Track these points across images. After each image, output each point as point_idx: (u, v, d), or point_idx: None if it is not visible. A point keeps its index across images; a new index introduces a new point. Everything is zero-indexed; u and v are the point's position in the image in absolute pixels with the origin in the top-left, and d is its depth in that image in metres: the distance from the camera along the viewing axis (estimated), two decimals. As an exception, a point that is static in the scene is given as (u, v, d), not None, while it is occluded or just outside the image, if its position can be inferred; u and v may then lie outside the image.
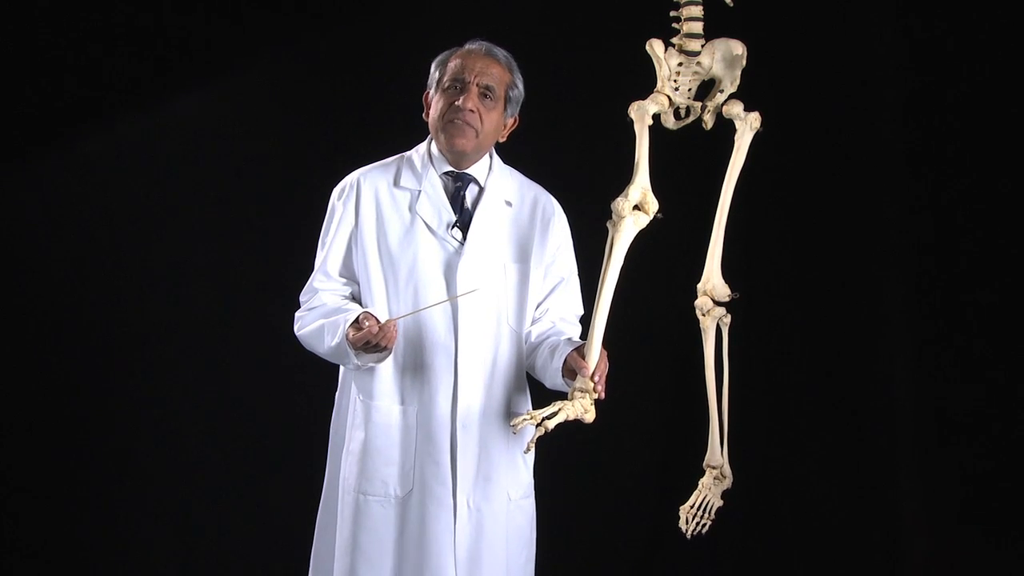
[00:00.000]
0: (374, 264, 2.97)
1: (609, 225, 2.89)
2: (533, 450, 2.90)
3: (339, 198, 3.03)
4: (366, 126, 4.14)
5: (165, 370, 4.33)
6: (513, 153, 3.13)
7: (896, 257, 3.93)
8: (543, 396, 2.98)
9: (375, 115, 4.13)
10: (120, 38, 4.22)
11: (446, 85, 2.98)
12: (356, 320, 2.82)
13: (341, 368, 3.07)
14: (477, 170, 3.04)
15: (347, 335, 2.80)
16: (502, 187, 3.07)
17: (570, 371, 2.83)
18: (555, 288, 3.09)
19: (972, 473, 3.82)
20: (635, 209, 2.91)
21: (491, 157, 3.08)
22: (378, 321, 2.80)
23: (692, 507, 3.33)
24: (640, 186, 2.93)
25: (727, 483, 3.34)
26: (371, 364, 2.87)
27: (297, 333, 3.00)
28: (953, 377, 3.86)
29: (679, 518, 3.33)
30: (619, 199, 2.90)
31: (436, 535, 2.88)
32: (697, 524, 3.33)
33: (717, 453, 3.31)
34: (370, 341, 2.76)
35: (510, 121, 3.06)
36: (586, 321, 2.89)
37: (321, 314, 2.93)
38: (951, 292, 3.87)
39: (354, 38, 4.30)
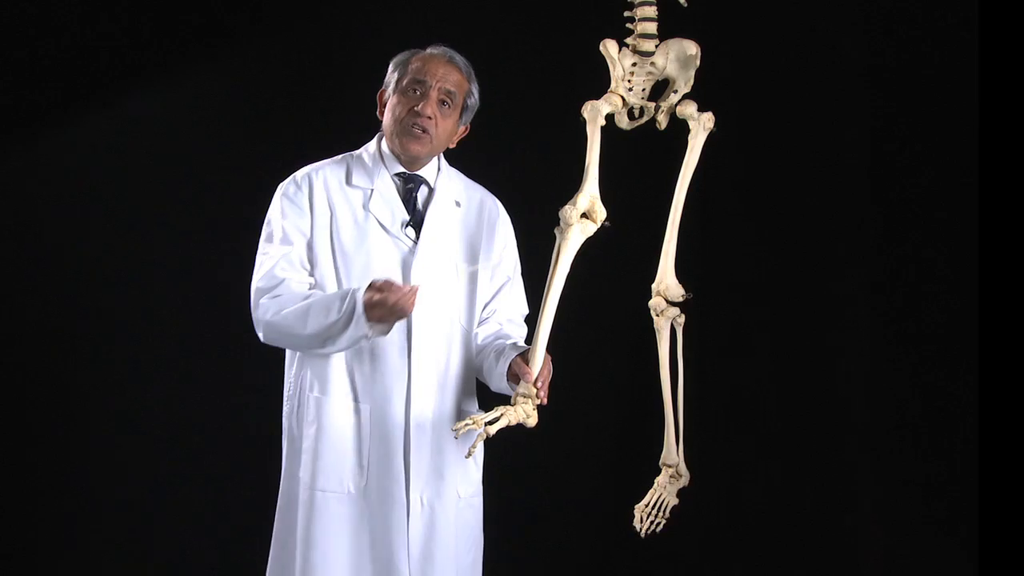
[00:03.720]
0: (328, 260, 2.97)
1: (556, 232, 2.90)
2: (483, 449, 2.96)
3: (290, 193, 3.01)
4: (321, 124, 4.12)
5: (120, 368, 4.30)
6: (463, 153, 3.12)
7: (852, 256, 3.95)
8: (488, 398, 3.00)
9: (331, 113, 4.12)
10: (79, 35, 4.18)
11: (405, 87, 2.98)
12: (371, 284, 2.77)
13: (293, 366, 3.05)
14: (427, 172, 3.06)
15: (367, 299, 2.74)
16: (451, 188, 3.08)
17: (514, 376, 2.85)
18: (501, 289, 3.12)
19: (928, 472, 3.85)
20: (583, 217, 2.92)
21: (439, 159, 3.09)
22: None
23: (647, 506, 3.33)
24: (589, 194, 2.94)
25: (683, 482, 3.35)
26: (376, 336, 2.82)
27: (266, 319, 2.91)
28: (908, 377, 3.89)
29: (634, 517, 3.34)
30: (567, 207, 2.91)
31: (390, 531, 2.90)
32: (652, 523, 3.34)
33: (672, 452, 3.32)
34: (398, 304, 2.72)
35: (462, 129, 3.06)
36: (531, 321, 2.89)
37: (297, 297, 2.89)
38: (907, 292, 3.90)
39: (310, 37, 4.28)
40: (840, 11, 3.83)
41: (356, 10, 4.24)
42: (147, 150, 4.30)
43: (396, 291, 2.73)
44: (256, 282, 2.96)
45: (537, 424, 2.82)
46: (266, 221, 3.03)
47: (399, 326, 2.90)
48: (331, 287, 2.94)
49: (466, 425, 2.73)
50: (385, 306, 2.74)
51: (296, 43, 4.29)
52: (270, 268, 2.94)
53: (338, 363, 2.94)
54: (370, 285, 2.77)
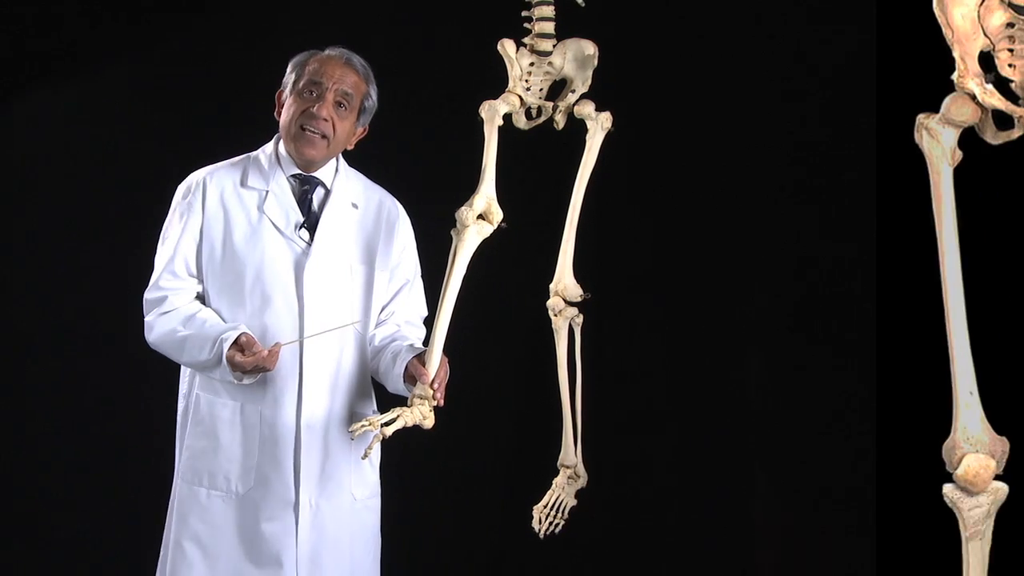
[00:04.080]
0: (220, 263, 2.94)
1: (453, 233, 2.90)
2: (379, 451, 2.94)
3: (184, 196, 2.99)
4: (218, 124, 4.06)
5: (13, 366, 4.19)
6: (363, 154, 3.10)
7: (751, 256, 3.99)
8: (385, 399, 2.98)
9: (228, 112, 4.05)
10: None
11: (302, 89, 2.95)
12: (235, 340, 2.82)
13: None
14: (324, 173, 3.03)
15: (229, 357, 2.81)
16: (348, 190, 3.06)
17: (411, 377, 2.85)
18: (400, 291, 3.10)
19: (824, 473, 3.89)
20: (479, 218, 2.91)
21: (337, 160, 3.07)
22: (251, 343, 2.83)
23: (545, 507, 3.34)
24: (485, 195, 2.93)
25: (581, 482, 3.36)
26: (245, 382, 2.87)
27: (150, 339, 2.96)
28: (804, 376, 3.93)
29: (532, 518, 3.34)
30: (463, 208, 2.90)
31: (278, 533, 2.88)
32: (550, 524, 3.35)
33: (571, 452, 3.33)
34: (258, 366, 2.80)
35: (360, 130, 3.05)
36: (430, 324, 2.88)
37: (178, 321, 2.91)
38: (804, 292, 3.93)
39: (207, 36, 4.21)
40: (735, 11, 3.86)
41: (256, 9, 4.19)
42: (43, 151, 4.20)
43: (257, 355, 2.79)
44: (146, 292, 2.98)
45: (435, 425, 2.80)
46: (164, 225, 3.01)
47: (292, 327, 2.89)
48: (225, 290, 2.93)
49: (362, 427, 2.72)
50: (244, 368, 2.80)
51: (197, 42, 4.22)
52: (156, 279, 2.96)
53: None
54: (235, 341, 2.81)
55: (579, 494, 3.36)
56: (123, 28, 4.19)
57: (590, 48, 3.16)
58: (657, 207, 3.98)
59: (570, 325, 3.27)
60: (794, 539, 3.91)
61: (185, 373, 3.03)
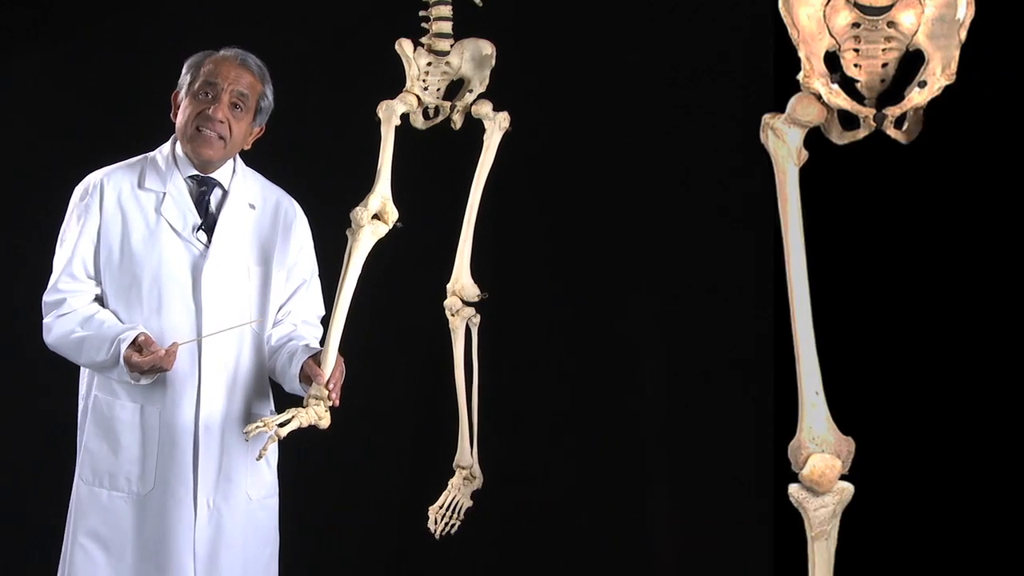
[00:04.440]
0: (118, 266, 2.92)
1: (348, 233, 2.90)
2: (277, 451, 2.94)
3: (81, 198, 2.97)
4: (113, 125, 3.99)
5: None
6: (260, 153, 3.07)
7: (647, 257, 4.02)
8: (283, 399, 2.98)
9: (124, 113, 3.99)
10: None
11: (197, 90, 2.94)
12: (133, 340, 2.81)
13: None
14: (221, 174, 3.02)
15: (127, 357, 2.79)
16: (246, 190, 3.05)
17: (307, 377, 2.86)
18: (297, 290, 3.09)
19: (723, 471, 3.94)
20: (374, 218, 2.92)
21: (234, 160, 3.06)
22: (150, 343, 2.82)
23: (441, 507, 3.34)
24: (380, 195, 2.93)
25: (477, 483, 3.37)
26: (143, 382, 2.86)
27: (48, 341, 2.94)
28: (702, 375, 3.97)
29: (428, 519, 3.33)
30: (358, 208, 2.90)
31: (176, 533, 2.88)
32: (446, 524, 3.34)
33: (467, 453, 3.34)
34: (155, 365, 2.78)
35: (256, 130, 3.03)
36: (327, 324, 2.87)
37: (76, 322, 2.89)
38: (703, 292, 3.97)
39: (102, 35, 4.13)
40: (634, 11, 3.89)
41: (150, 8, 4.12)
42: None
43: (154, 354, 2.79)
44: (45, 294, 2.95)
45: (332, 425, 2.80)
46: (62, 227, 2.99)
47: (190, 329, 2.88)
48: (123, 293, 2.91)
49: (257, 428, 2.73)
50: (141, 368, 2.80)
51: (91, 42, 4.14)
52: (55, 281, 2.93)
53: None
54: (133, 341, 2.80)
55: (475, 495, 3.35)
56: (7, 31, 4.10)
57: (488, 48, 3.17)
58: (554, 207, 3.99)
59: (467, 325, 3.27)
60: (691, 537, 3.96)
61: (84, 374, 3.01)
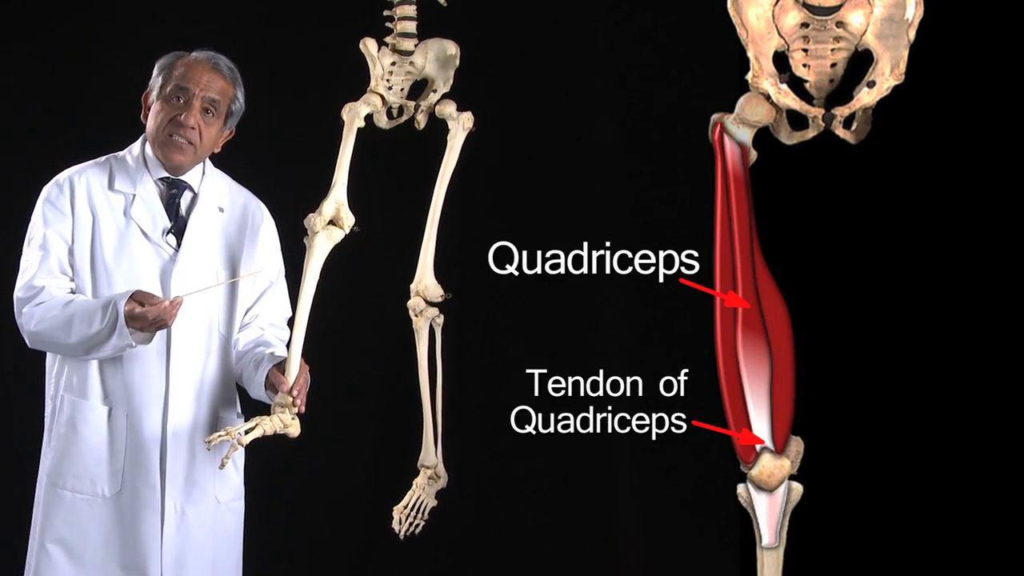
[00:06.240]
0: (88, 266, 2.92)
1: (304, 241, 2.91)
2: (243, 454, 2.97)
3: (52, 196, 2.96)
4: (79, 124, 3.98)
5: None
6: (229, 156, 3.07)
7: (612, 256, 4.01)
8: (250, 405, 2.99)
9: (92, 111, 3.98)
10: None
11: (168, 94, 2.94)
12: (131, 297, 2.78)
13: (55, 367, 2.99)
14: (191, 177, 3.02)
15: (129, 311, 2.75)
16: (215, 193, 3.05)
17: (272, 385, 2.87)
18: (264, 293, 3.10)
19: (689, 474, 3.94)
20: (330, 224, 2.93)
21: (204, 163, 3.06)
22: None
23: (406, 507, 3.33)
24: (335, 200, 2.95)
25: (441, 483, 3.36)
26: (139, 344, 2.82)
27: (31, 329, 2.89)
28: (667, 378, 3.96)
29: (392, 518, 3.33)
30: (312, 215, 2.93)
31: (143, 536, 2.89)
32: (411, 524, 3.34)
33: (431, 453, 3.33)
34: (159, 317, 2.74)
35: (227, 133, 3.04)
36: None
37: (58, 305, 2.86)
38: (666, 291, 3.97)
39: (70, 35, 4.12)
40: (598, 12, 3.90)
41: (120, 7, 4.11)
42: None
43: (157, 305, 2.75)
44: (17, 291, 2.92)
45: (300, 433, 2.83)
46: (30, 226, 2.97)
47: (159, 333, 2.87)
48: (91, 295, 2.90)
49: (219, 436, 2.75)
50: (146, 320, 2.75)
51: (59, 41, 4.12)
52: (30, 278, 2.91)
53: (95, 368, 2.91)
54: (131, 296, 2.77)
55: (439, 495, 3.35)
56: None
57: (452, 48, 3.18)
58: (518, 207, 3.99)
59: (431, 326, 3.27)
60: (658, 536, 3.96)
61: (51, 374, 3.00)
